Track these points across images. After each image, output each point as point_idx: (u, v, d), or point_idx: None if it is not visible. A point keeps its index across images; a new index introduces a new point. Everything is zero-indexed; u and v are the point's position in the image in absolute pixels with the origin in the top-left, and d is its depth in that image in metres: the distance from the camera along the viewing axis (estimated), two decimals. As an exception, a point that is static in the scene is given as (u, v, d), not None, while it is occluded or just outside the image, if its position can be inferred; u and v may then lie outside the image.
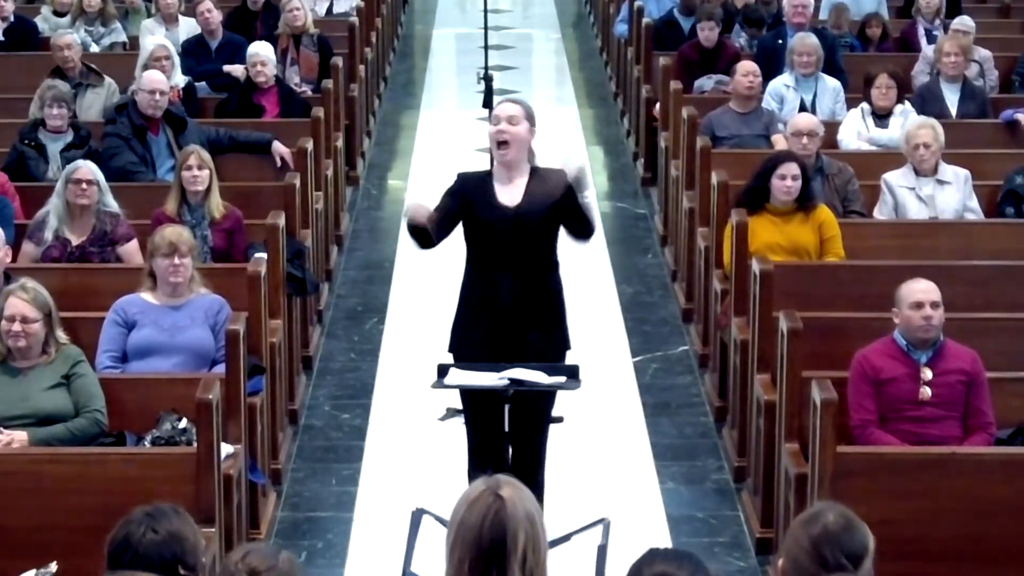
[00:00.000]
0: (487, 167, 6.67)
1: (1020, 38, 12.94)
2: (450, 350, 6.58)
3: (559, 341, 6.57)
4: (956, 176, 8.73)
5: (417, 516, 4.12)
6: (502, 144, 6.46)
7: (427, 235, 6.44)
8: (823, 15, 12.73)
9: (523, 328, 6.43)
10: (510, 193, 6.50)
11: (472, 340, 6.49)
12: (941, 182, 8.69)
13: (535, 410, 6.47)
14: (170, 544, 3.92)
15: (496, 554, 3.55)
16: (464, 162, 11.44)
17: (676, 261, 10.19)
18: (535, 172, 6.55)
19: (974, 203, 8.76)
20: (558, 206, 6.43)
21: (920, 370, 6.46)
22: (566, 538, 4.27)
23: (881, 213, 8.74)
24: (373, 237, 11.25)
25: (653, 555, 3.56)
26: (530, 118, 6.53)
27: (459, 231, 6.58)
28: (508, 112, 6.49)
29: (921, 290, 6.48)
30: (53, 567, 4.82)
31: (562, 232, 6.55)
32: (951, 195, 8.68)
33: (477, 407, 6.54)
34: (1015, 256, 8.19)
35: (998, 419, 6.52)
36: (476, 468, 6.57)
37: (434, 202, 6.53)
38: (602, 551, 4.09)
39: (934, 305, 6.44)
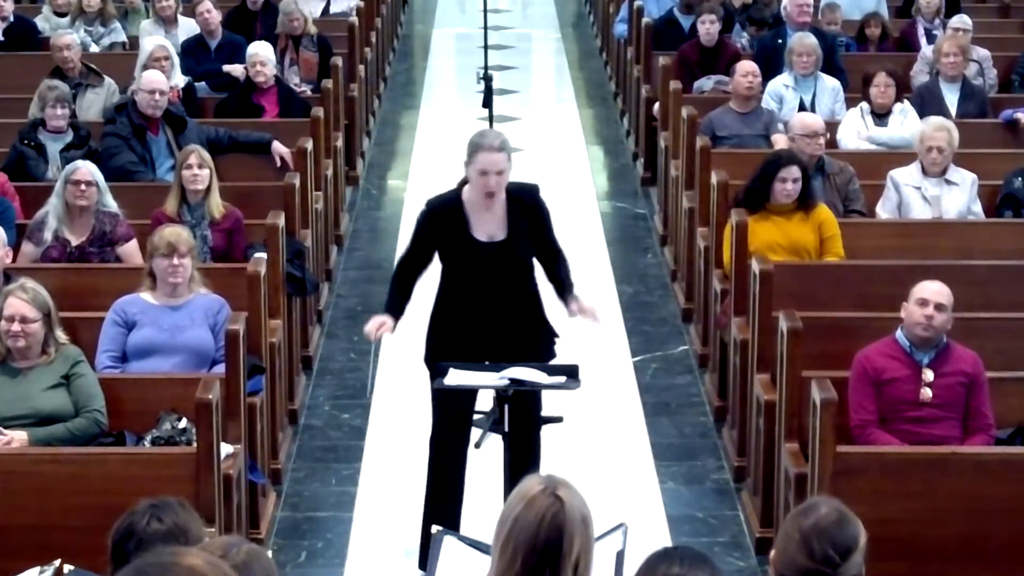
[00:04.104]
0: (455, 189, 6.56)
1: (1019, 38, 12.93)
2: (426, 362, 6.56)
3: (543, 339, 6.55)
4: (963, 179, 8.72)
5: (439, 539, 4.11)
6: (490, 195, 6.37)
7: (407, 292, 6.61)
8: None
9: (501, 343, 6.39)
10: (489, 226, 6.43)
11: (450, 355, 6.41)
12: (949, 183, 8.68)
13: (526, 410, 6.45)
14: (174, 535, 3.93)
15: (551, 555, 3.55)
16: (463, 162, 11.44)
17: (676, 261, 10.19)
18: (511, 197, 6.46)
19: (978, 207, 8.75)
20: (538, 238, 6.46)
21: (922, 371, 6.46)
22: None
23: (884, 209, 8.74)
24: (373, 237, 11.25)
25: (670, 556, 3.55)
26: (510, 157, 6.41)
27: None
28: (498, 166, 6.33)
29: (931, 290, 6.47)
30: (57, 563, 4.82)
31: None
32: (957, 197, 8.68)
33: (446, 415, 6.55)
34: (1015, 256, 8.19)
35: (998, 419, 6.53)
36: (433, 476, 6.63)
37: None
38: (620, 556, 4.11)
39: (939, 307, 6.43)
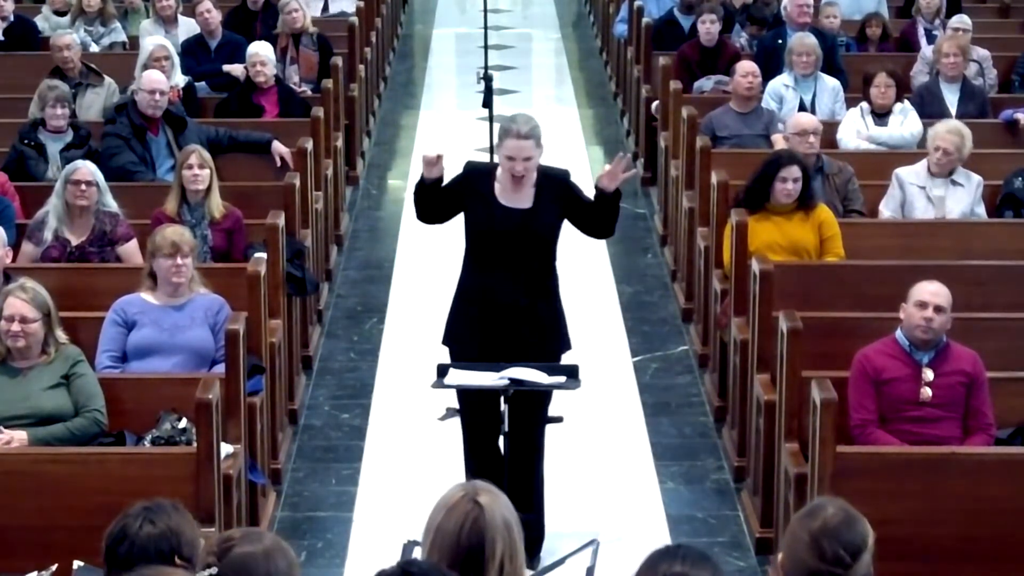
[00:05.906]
0: (494, 163, 6.69)
1: (1019, 38, 12.93)
2: (444, 343, 6.64)
3: (557, 340, 6.59)
4: (969, 180, 8.72)
5: (409, 549, 4.13)
6: (516, 179, 6.48)
7: (434, 197, 6.52)
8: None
9: (519, 326, 6.45)
10: (518, 196, 6.52)
11: (467, 336, 6.53)
12: (954, 183, 8.68)
13: (531, 409, 6.48)
14: (167, 537, 3.93)
15: (473, 561, 3.57)
16: (463, 162, 11.43)
17: (676, 261, 10.19)
18: (541, 178, 6.57)
19: (982, 209, 8.74)
20: (569, 210, 6.52)
21: (922, 370, 6.46)
22: (561, 562, 4.31)
23: (887, 207, 8.74)
24: (373, 237, 11.25)
25: (672, 553, 3.53)
26: (540, 142, 6.53)
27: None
28: (524, 153, 6.46)
29: (929, 291, 6.47)
30: (54, 568, 4.82)
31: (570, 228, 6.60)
32: (961, 198, 8.68)
33: (472, 406, 6.58)
34: (1015, 256, 8.20)
35: (998, 419, 6.53)
36: (472, 467, 6.62)
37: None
38: (590, 572, 4.12)
39: (938, 309, 6.43)
